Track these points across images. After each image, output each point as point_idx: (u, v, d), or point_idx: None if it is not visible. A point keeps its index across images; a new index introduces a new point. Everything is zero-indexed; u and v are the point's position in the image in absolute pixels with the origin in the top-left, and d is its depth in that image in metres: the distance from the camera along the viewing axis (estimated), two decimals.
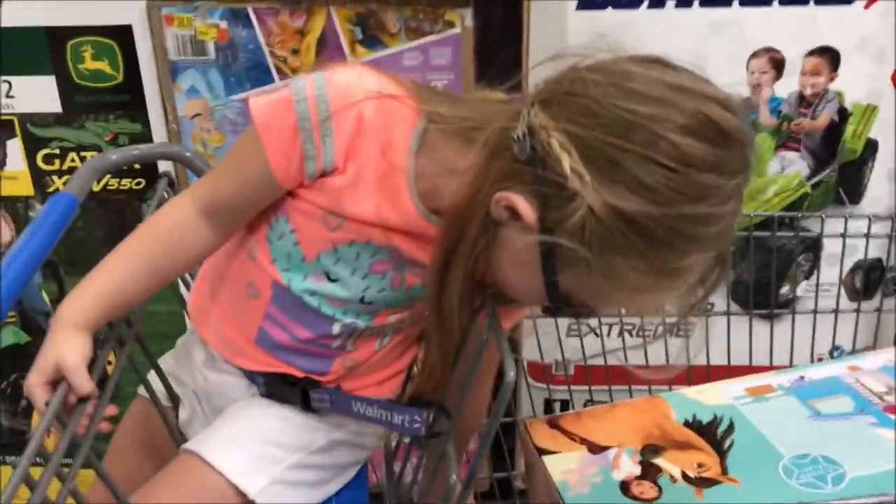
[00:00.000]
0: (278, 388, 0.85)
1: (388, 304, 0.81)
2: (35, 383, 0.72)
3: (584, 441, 0.78)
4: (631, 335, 1.47)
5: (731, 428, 0.77)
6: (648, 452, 0.75)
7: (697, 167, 0.62)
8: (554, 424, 0.81)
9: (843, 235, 1.35)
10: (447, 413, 0.78)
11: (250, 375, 0.87)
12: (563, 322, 1.44)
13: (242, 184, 0.76)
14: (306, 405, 0.84)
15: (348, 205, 0.74)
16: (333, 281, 0.79)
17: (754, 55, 1.35)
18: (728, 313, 1.38)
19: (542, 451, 0.77)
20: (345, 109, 0.70)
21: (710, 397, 0.81)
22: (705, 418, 0.79)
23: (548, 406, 1.53)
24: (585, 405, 1.50)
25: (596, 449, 0.76)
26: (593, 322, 1.45)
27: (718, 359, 1.39)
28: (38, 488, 0.61)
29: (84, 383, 0.71)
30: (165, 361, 0.96)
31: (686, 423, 0.79)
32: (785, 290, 1.46)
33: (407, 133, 0.72)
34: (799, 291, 1.46)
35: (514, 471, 1.44)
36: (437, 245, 0.73)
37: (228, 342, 0.87)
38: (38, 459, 0.64)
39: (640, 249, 0.63)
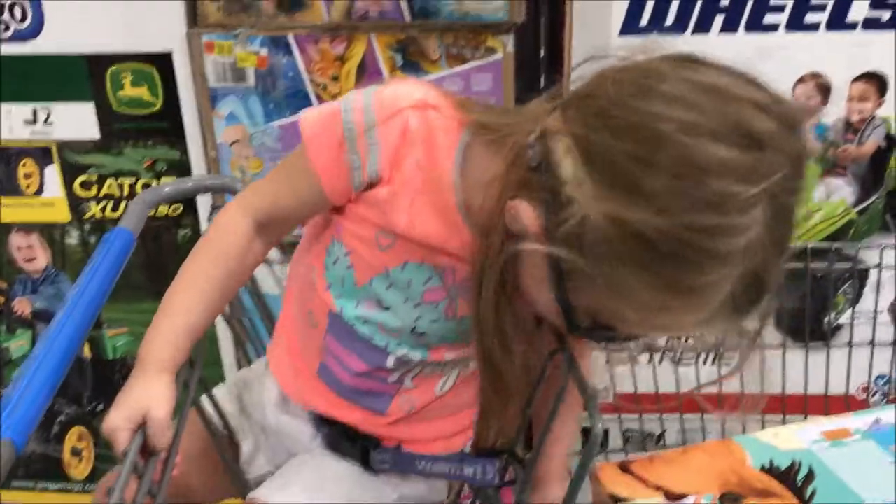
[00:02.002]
0: (340, 443, 0.84)
1: (441, 338, 0.79)
2: (120, 427, 0.69)
3: (658, 488, 0.76)
4: (671, 361, 1.46)
5: (811, 475, 0.75)
6: (728, 501, 0.73)
7: (711, 172, 0.55)
8: (626, 469, 0.79)
9: (880, 266, 1.33)
10: (520, 460, 0.77)
11: (316, 423, 0.85)
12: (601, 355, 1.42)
13: (293, 197, 0.75)
14: (366, 464, 0.82)
15: (396, 218, 0.71)
16: (386, 309, 0.77)
17: (800, 81, 1.33)
18: (762, 346, 1.36)
19: (617, 499, 0.75)
20: (390, 118, 0.69)
21: (786, 442, 0.79)
22: (783, 464, 0.77)
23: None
24: (625, 434, 1.49)
25: (673, 496, 0.74)
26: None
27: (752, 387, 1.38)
28: None
29: (165, 440, 0.70)
30: (227, 391, 0.95)
31: (763, 469, 0.77)
32: (829, 318, 1.44)
33: (452, 145, 0.70)
34: (843, 320, 1.44)
35: None
36: (470, 264, 0.69)
37: (297, 375, 0.85)
38: None
39: (646, 262, 0.57)
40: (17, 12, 1.34)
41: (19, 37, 1.35)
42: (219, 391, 0.95)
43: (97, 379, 1.55)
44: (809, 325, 1.35)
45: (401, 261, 0.74)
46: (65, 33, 1.34)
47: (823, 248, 1.32)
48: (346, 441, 0.83)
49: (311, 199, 0.74)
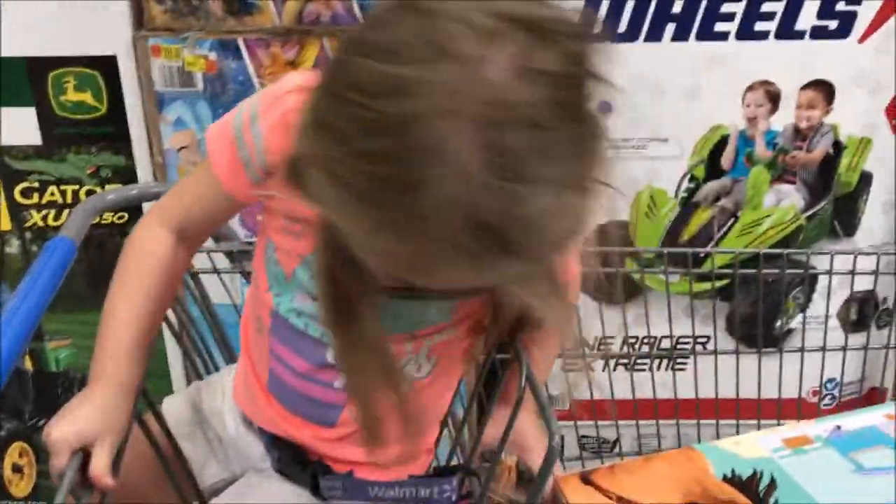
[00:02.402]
0: (290, 467, 0.82)
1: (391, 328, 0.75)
2: (62, 444, 0.66)
3: (620, 499, 0.75)
4: (626, 368, 1.46)
5: (773, 484, 0.75)
6: None
7: (369, 92, 0.51)
8: (587, 480, 0.78)
9: (830, 273, 1.36)
10: (475, 474, 0.75)
11: (268, 445, 0.83)
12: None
13: (204, 202, 0.76)
14: (315, 491, 0.80)
15: (294, 202, 0.64)
16: (315, 299, 0.73)
17: (750, 88, 1.35)
18: (715, 352, 1.38)
19: None
20: (270, 107, 0.68)
21: (748, 450, 0.79)
22: (745, 473, 0.77)
23: None
24: (580, 441, 1.49)
25: None
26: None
27: (708, 392, 1.39)
28: None
29: (107, 479, 0.67)
30: (185, 397, 0.92)
31: (726, 479, 0.77)
32: (780, 323, 1.46)
33: None
34: (794, 324, 1.46)
35: None
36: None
37: (251, 391, 0.83)
38: None
39: (345, 202, 0.53)
40: None
41: None
42: (174, 398, 0.93)
43: (39, 392, 1.50)
44: (757, 330, 1.37)
45: (312, 247, 0.70)
46: (5, 35, 1.29)
47: (775, 253, 1.34)
48: (295, 465, 0.81)
49: (219, 202, 0.75)
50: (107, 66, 1.30)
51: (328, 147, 0.53)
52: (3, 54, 1.29)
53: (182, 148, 1.36)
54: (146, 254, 0.77)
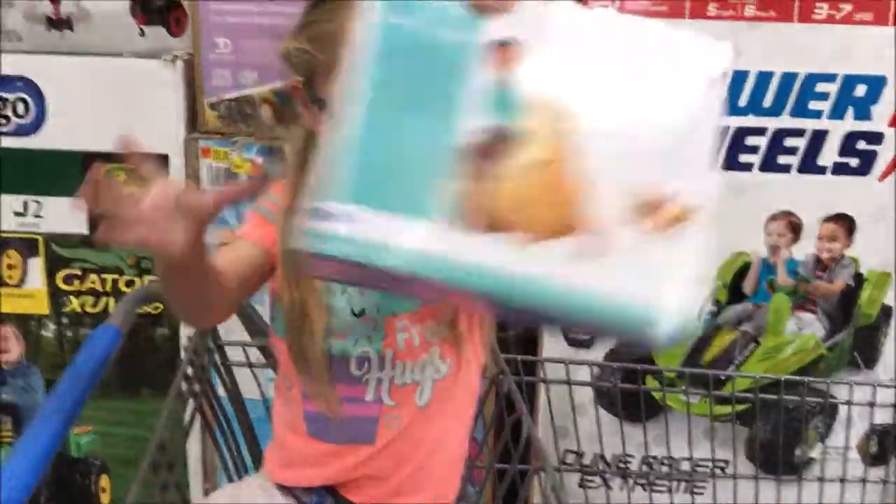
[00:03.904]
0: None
1: (378, 309, 0.83)
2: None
3: None
4: (644, 489, 1.45)
5: None
6: None
7: None
8: None
9: (849, 403, 1.36)
10: None
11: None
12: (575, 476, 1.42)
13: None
14: None
15: None
16: None
17: (772, 218, 1.39)
18: (734, 477, 1.38)
19: None
20: None
21: None
22: None
23: None
24: None
25: None
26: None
27: None
28: None
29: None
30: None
31: None
32: (800, 451, 1.46)
33: None
34: (814, 453, 1.45)
35: None
36: None
37: (286, 456, 0.89)
38: None
39: None
40: (21, 107, 1.37)
41: (20, 131, 1.37)
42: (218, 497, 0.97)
43: (57, 477, 1.51)
44: (781, 458, 1.37)
45: None
46: (64, 130, 1.37)
47: (795, 380, 1.35)
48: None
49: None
50: (158, 164, 1.37)
51: None
52: (59, 147, 1.36)
53: (223, 244, 1.41)
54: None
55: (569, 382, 1.31)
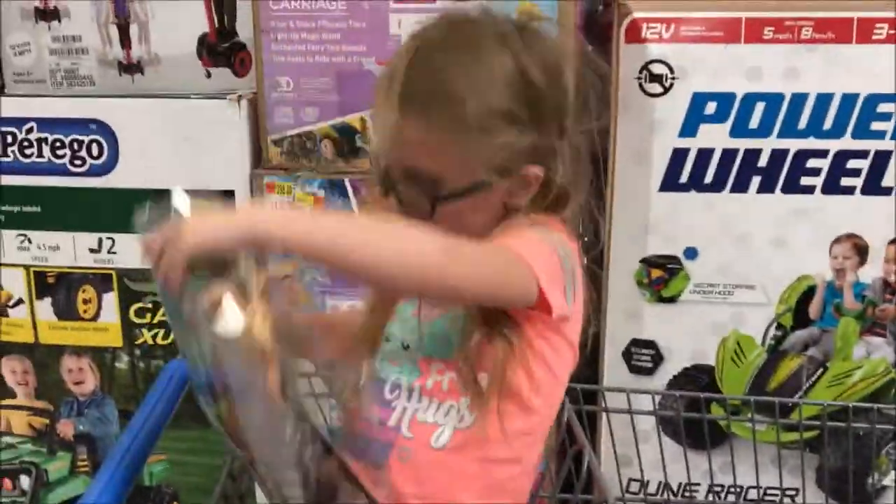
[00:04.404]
0: None
1: (420, 349, 0.87)
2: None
3: None
4: None
5: None
6: None
7: None
8: None
9: None
10: None
11: None
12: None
13: None
14: None
15: None
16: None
17: (837, 241, 1.37)
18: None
19: None
20: None
21: None
22: None
23: None
24: None
25: None
26: None
27: None
28: None
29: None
30: None
31: None
32: (872, 480, 1.42)
33: None
34: (888, 481, 1.41)
35: None
36: None
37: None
38: None
39: None
40: (94, 149, 1.43)
41: (94, 172, 1.44)
42: None
43: None
44: (852, 486, 1.33)
45: None
46: (135, 170, 1.42)
47: (865, 407, 1.32)
48: None
49: None
50: (225, 199, 1.41)
51: None
52: (131, 186, 1.42)
53: (286, 277, 1.44)
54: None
55: (630, 412, 1.30)
